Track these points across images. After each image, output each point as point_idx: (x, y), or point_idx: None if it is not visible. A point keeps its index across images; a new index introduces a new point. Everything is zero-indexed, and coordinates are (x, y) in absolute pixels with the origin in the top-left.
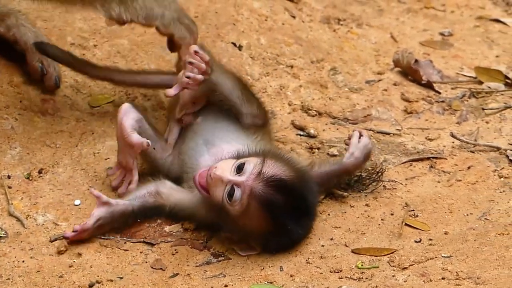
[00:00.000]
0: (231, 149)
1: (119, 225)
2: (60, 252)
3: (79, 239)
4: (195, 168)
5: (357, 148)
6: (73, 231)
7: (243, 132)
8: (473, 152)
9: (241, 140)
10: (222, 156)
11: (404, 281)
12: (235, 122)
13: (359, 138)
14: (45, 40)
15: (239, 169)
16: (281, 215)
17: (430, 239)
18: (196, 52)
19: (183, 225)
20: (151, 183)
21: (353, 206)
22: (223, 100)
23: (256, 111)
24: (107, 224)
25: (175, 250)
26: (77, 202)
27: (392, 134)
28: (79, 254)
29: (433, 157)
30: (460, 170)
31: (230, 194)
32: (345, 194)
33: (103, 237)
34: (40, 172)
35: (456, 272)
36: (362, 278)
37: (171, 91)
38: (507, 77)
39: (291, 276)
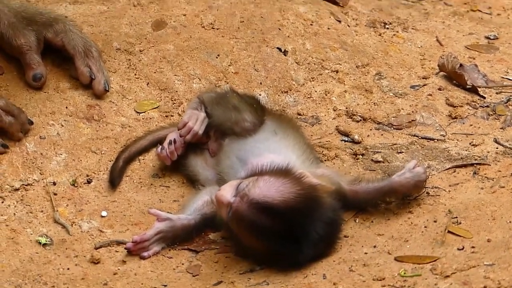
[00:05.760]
0: (262, 161)
1: (182, 240)
2: (104, 260)
3: (141, 250)
4: None
5: (409, 172)
6: (132, 242)
7: (271, 139)
8: None
9: (271, 148)
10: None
11: None
12: (259, 131)
13: (414, 167)
14: (93, 45)
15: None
16: (271, 239)
17: (473, 247)
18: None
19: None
20: (203, 191)
21: (396, 213)
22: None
23: (253, 115)
24: (168, 238)
25: (219, 257)
26: (104, 213)
27: (436, 140)
28: (124, 262)
29: (476, 163)
30: (503, 177)
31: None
32: (389, 200)
33: None
34: (89, 182)
35: (498, 281)
36: (405, 286)
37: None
38: None
39: (334, 284)
